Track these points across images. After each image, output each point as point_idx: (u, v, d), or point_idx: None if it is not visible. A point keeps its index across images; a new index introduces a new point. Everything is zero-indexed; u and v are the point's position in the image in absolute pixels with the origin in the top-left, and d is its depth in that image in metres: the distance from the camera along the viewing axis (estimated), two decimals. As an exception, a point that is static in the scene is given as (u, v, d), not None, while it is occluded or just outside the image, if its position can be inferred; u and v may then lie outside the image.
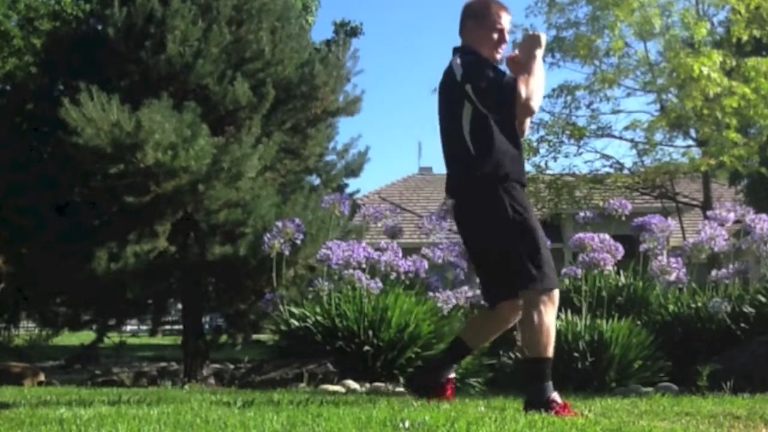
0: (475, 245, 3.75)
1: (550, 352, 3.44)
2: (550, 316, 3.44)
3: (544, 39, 3.67)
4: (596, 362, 5.43)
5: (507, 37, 3.75)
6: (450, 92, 3.66)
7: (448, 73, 3.67)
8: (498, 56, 3.74)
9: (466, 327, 4.14)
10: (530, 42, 3.66)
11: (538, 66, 3.58)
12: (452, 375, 3.92)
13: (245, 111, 8.48)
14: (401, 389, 5.38)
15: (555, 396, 3.34)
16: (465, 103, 3.57)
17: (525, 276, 3.44)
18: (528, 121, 3.85)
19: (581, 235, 6.31)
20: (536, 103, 3.51)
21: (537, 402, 3.30)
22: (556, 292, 3.50)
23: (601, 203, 10.96)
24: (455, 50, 3.76)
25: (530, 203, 3.64)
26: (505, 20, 3.73)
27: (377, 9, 51.72)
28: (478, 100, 3.53)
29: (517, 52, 3.75)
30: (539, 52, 3.61)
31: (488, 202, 3.53)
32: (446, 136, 3.72)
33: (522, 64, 3.63)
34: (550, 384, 3.38)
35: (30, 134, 8.73)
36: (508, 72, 3.71)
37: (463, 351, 4.00)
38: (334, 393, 4.81)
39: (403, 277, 6.47)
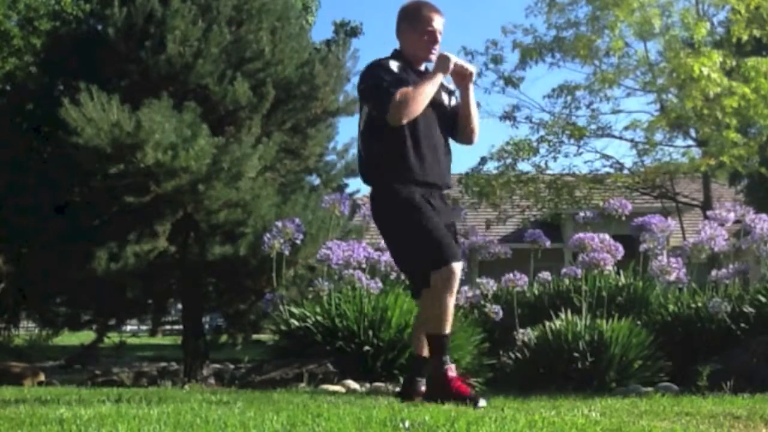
0: (389, 248, 3.99)
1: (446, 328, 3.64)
2: (445, 291, 3.59)
3: (452, 64, 3.78)
4: (596, 362, 5.42)
5: (438, 38, 3.86)
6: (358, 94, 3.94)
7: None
8: (431, 57, 3.87)
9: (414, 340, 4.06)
10: (439, 62, 3.81)
11: (429, 85, 3.70)
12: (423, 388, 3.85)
13: (245, 111, 8.49)
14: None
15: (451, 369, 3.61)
16: (363, 104, 3.82)
17: (424, 263, 3.61)
18: (473, 128, 3.93)
19: (581, 235, 6.30)
20: (405, 115, 3.62)
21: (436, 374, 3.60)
22: (455, 266, 3.59)
23: (601, 203, 10.97)
24: (392, 54, 3.94)
25: (425, 199, 3.71)
26: (437, 22, 3.85)
27: (377, 9, 51.73)
28: (362, 99, 3.81)
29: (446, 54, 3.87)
30: (440, 77, 3.76)
31: (379, 200, 3.79)
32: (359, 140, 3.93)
33: (462, 76, 3.82)
34: (448, 357, 3.65)
35: (30, 134, 8.74)
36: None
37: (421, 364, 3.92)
38: (334, 393, 4.81)
39: (403, 277, 6.47)
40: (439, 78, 3.76)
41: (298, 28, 9.65)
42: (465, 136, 3.96)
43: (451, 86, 4.01)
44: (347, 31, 20.74)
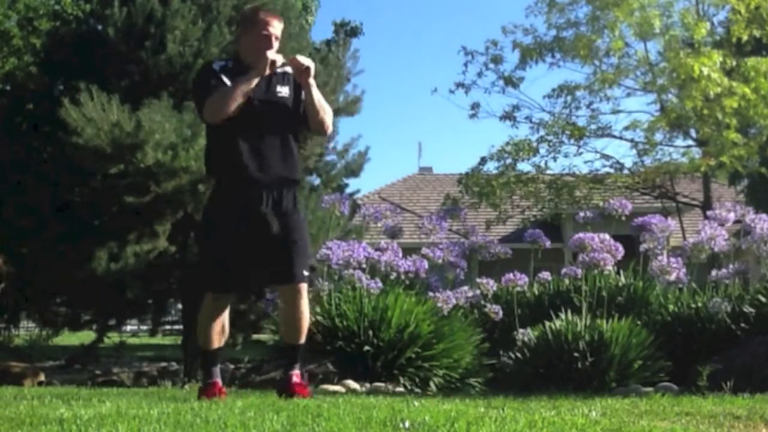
0: None
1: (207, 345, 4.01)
2: (206, 312, 4.00)
3: (269, 62, 3.83)
4: (596, 362, 5.42)
5: (273, 43, 3.91)
6: None
7: None
8: (265, 60, 3.91)
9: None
10: (294, 62, 3.93)
11: (243, 85, 3.79)
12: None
13: (245, 111, 8.48)
14: (401, 389, 5.39)
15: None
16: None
17: (200, 280, 4.08)
18: (322, 118, 4.04)
19: (581, 235, 6.30)
20: (214, 113, 3.80)
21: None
22: (218, 296, 3.98)
23: (601, 203, 10.97)
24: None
25: (238, 197, 3.88)
26: (273, 27, 3.92)
27: (377, 9, 51.74)
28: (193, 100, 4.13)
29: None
30: (254, 75, 3.82)
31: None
32: None
33: (299, 72, 3.90)
34: (211, 371, 4.01)
35: (30, 134, 8.73)
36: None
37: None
38: (334, 393, 4.81)
39: (403, 277, 6.47)
40: (254, 77, 3.82)
41: (298, 28, 9.64)
42: (315, 124, 4.06)
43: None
44: (347, 31, 20.74)
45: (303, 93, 4.00)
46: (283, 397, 3.78)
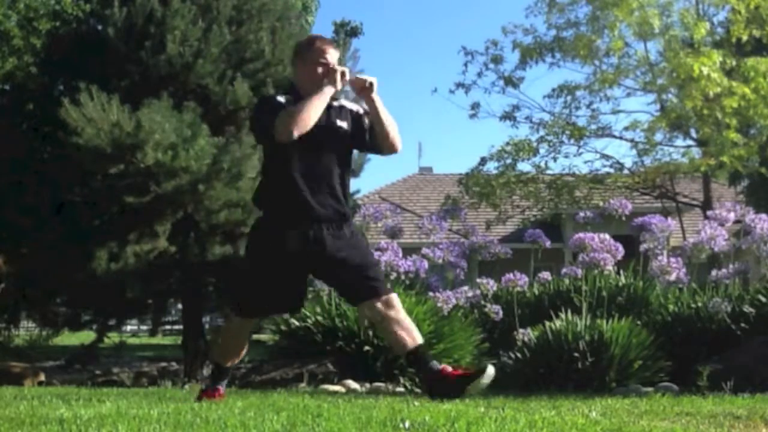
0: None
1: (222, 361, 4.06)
2: (232, 332, 4.15)
3: (339, 75, 3.78)
4: (596, 362, 5.42)
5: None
6: None
7: None
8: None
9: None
10: (356, 82, 3.87)
11: (317, 98, 3.72)
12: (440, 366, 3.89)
13: (245, 111, 8.47)
14: (401, 389, 5.39)
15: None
16: (257, 136, 4.09)
17: (234, 304, 4.12)
18: (391, 136, 3.92)
19: (581, 235, 6.30)
20: (292, 126, 3.65)
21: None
22: (244, 322, 4.04)
23: (601, 203, 10.97)
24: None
25: (288, 233, 3.79)
26: (330, 56, 3.86)
27: (377, 9, 51.75)
28: (254, 130, 4.03)
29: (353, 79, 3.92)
30: (328, 89, 3.76)
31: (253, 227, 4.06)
32: None
33: (361, 88, 3.84)
34: (218, 383, 4.02)
35: (30, 134, 8.73)
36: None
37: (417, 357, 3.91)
38: (334, 393, 4.81)
39: (403, 277, 6.47)
40: (328, 91, 3.75)
41: (298, 28, 9.64)
42: (386, 146, 3.95)
43: (351, 106, 4.03)
44: (347, 31, 20.74)
45: (366, 116, 3.93)
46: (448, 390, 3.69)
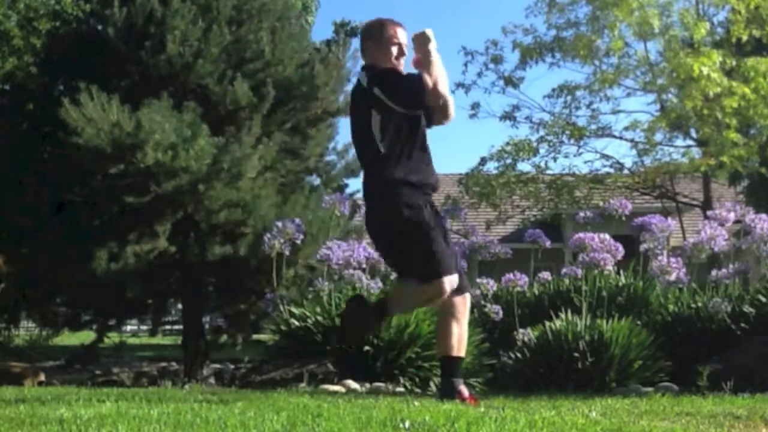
0: (381, 244, 4.03)
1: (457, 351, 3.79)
2: (464, 317, 3.81)
3: (430, 32, 3.85)
4: (596, 362, 5.42)
5: (405, 50, 3.94)
6: (361, 103, 3.89)
7: (357, 87, 3.95)
8: (400, 68, 3.93)
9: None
10: (420, 40, 3.87)
11: (435, 57, 3.81)
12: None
13: (245, 111, 8.48)
14: (401, 389, 5.39)
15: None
16: (373, 112, 3.80)
17: (424, 272, 3.70)
18: (450, 106, 3.97)
19: (581, 235, 6.30)
20: (444, 88, 3.78)
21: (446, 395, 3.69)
22: (454, 278, 3.69)
23: (601, 203, 10.97)
24: (362, 69, 4.00)
25: (426, 203, 3.81)
26: (401, 35, 3.94)
27: (377, 9, 51.72)
28: (390, 99, 3.77)
29: (414, 55, 3.93)
30: (432, 45, 3.83)
31: (387, 202, 3.79)
32: (360, 146, 3.97)
33: (424, 63, 3.84)
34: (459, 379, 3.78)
35: (30, 134, 8.73)
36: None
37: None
38: (334, 393, 4.81)
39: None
40: (434, 48, 3.83)
41: (298, 28, 9.65)
42: (441, 112, 3.97)
43: None
44: (347, 31, 20.70)
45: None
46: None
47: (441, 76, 3.76)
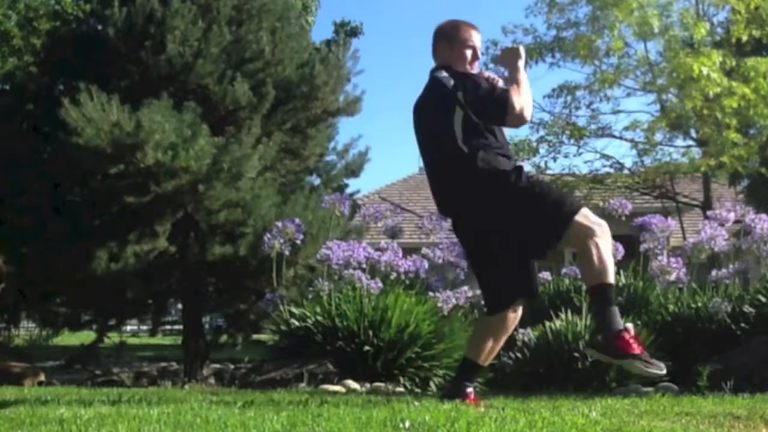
0: (495, 232, 3.70)
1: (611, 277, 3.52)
2: (604, 241, 3.53)
3: (523, 51, 3.78)
4: (596, 362, 5.41)
5: (479, 53, 3.87)
6: (438, 103, 3.74)
7: (434, 86, 3.78)
8: (473, 72, 3.84)
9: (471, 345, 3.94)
10: (510, 54, 3.79)
11: (524, 76, 3.71)
12: (470, 390, 3.77)
13: (245, 111, 8.49)
14: (401, 389, 5.39)
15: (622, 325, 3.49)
16: (456, 109, 3.66)
17: (562, 214, 3.52)
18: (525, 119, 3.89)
19: (581, 235, 6.28)
20: (528, 113, 3.65)
21: (607, 330, 3.46)
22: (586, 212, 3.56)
23: (601, 203, 10.95)
24: (434, 69, 3.87)
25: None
26: (476, 38, 3.86)
27: (377, 9, 51.72)
28: (470, 108, 3.62)
29: (488, 74, 3.86)
30: (521, 63, 3.74)
31: (490, 190, 3.60)
32: (437, 148, 3.78)
33: (511, 80, 3.74)
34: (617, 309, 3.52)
35: (30, 134, 8.73)
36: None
37: (472, 369, 3.83)
38: (334, 393, 4.81)
39: (403, 277, 6.47)
40: (523, 66, 3.75)
41: (298, 28, 9.65)
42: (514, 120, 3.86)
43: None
44: (347, 31, 20.74)
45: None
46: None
47: (527, 100, 3.64)
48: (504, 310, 3.74)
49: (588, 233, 3.51)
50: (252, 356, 8.06)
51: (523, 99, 3.61)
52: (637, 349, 3.47)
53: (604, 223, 3.59)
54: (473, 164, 3.61)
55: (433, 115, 3.77)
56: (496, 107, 3.61)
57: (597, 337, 3.54)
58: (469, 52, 3.80)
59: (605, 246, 3.52)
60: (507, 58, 3.79)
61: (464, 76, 3.72)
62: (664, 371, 3.47)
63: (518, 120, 3.63)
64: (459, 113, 3.64)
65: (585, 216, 3.54)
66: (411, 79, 57.96)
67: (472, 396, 3.74)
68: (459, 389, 3.71)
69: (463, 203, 3.73)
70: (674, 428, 2.98)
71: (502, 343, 3.84)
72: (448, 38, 3.87)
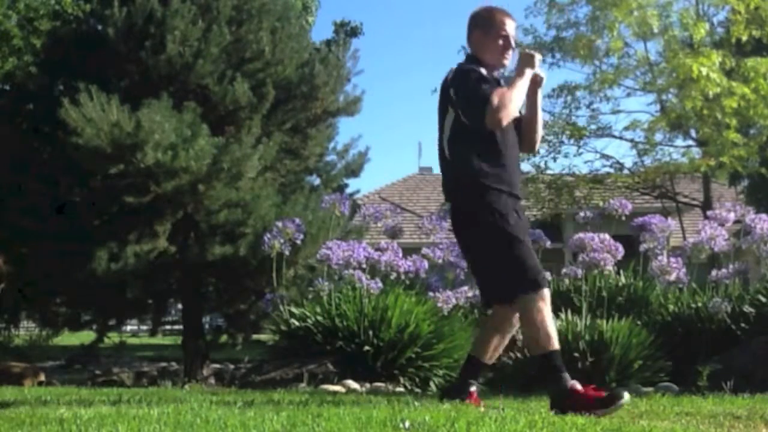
0: (464, 249, 3.91)
1: (555, 344, 3.49)
2: (544, 312, 3.50)
3: (538, 60, 3.72)
4: (596, 362, 5.42)
5: (512, 43, 3.79)
6: (441, 95, 3.74)
7: (446, 76, 3.76)
8: (506, 62, 3.82)
9: (474, 342, 4.04)
10: (523, 60, 3.73)
11: (522, 83, 3.64)
12: (473, 389, 3.80)
13: (245, 111, 8.49)
14: (401, 389, 5.39)
15: (574, 384, 3.41)
16: (449, 108, 3.67)
17: (511, 284, 3.54)
18: (538, 136, 3.88)
19: (581, 235, 6.30)
20: (505, 115, 3.52)
21: (558, 393, 3.41)
22: (545, 291, 3.53)
23: (601, 203, 10.96)
24: (467, 58, 3.84)
25: (514, 210, 3.63)
26: (510, 27, 3.78)
27: (377, 9, 51.74)
28: (458, 106, 3.62)
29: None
30: (529, 72, 3.68)
31: (473, 206, 3.61)
32: (438, 140, 3.80)
33: (533, 81, 3.71)
34: (566, 374, 3.45)
35: (30, 134, 8.73)
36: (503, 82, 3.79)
37: (477, 367, 3.87)
38: (334, 393, 4.81)
39: (403, 277, 6.47)
40: (529, 75, 3.67)
41: (298, 28, 9.65)
42: (528, 144, 3.88)
43: None
44: (347, 31, 20.73)
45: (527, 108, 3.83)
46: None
47: (510, 103, 3.52)
48: (493, 305, 3.81)
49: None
50: (252, 356, 8.06)
51: (506, 100, 3.51)
52: (591, 399, 3.33)
53: (547, 296, 3.52)
54: (456, 172, 3.67)
55: (438, 108, 3.79)
56: (476, 106, 3.55)
57: (558, 406, 3.38)
58: (501, 41, 3.74)
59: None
60: (520, 63, 3.74)
61: (466, 70, 3.68)
62: (625, 398, 3.32)
63: (493, 119, 3.50)
64: (451, 113, 3.66)
65: (535, 298, 3.47)
66: (411, 79, 57.98)
67: (475, 395, 3.75)
68: (463, 387, 3.75)
69: (452, 204, 3.80)
70: (674, 428, 2.98)
71: (507, 340, 3.87)
72: (481, 25, 3.80)
